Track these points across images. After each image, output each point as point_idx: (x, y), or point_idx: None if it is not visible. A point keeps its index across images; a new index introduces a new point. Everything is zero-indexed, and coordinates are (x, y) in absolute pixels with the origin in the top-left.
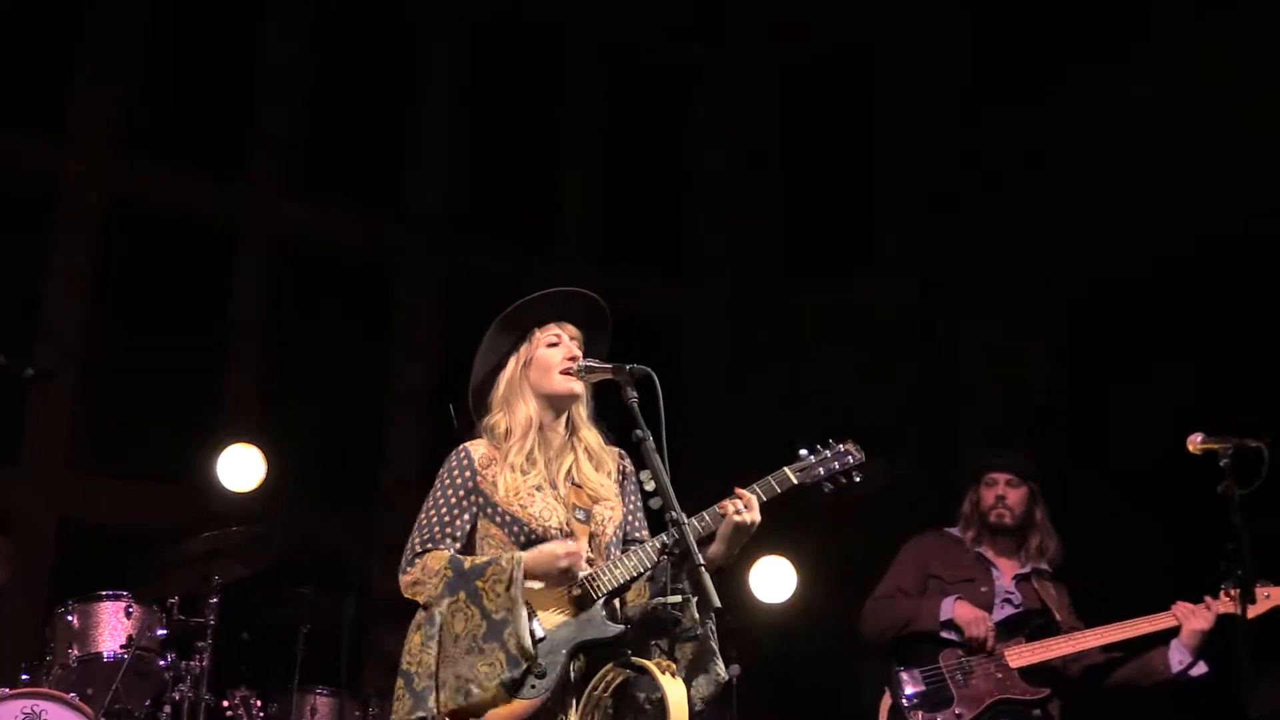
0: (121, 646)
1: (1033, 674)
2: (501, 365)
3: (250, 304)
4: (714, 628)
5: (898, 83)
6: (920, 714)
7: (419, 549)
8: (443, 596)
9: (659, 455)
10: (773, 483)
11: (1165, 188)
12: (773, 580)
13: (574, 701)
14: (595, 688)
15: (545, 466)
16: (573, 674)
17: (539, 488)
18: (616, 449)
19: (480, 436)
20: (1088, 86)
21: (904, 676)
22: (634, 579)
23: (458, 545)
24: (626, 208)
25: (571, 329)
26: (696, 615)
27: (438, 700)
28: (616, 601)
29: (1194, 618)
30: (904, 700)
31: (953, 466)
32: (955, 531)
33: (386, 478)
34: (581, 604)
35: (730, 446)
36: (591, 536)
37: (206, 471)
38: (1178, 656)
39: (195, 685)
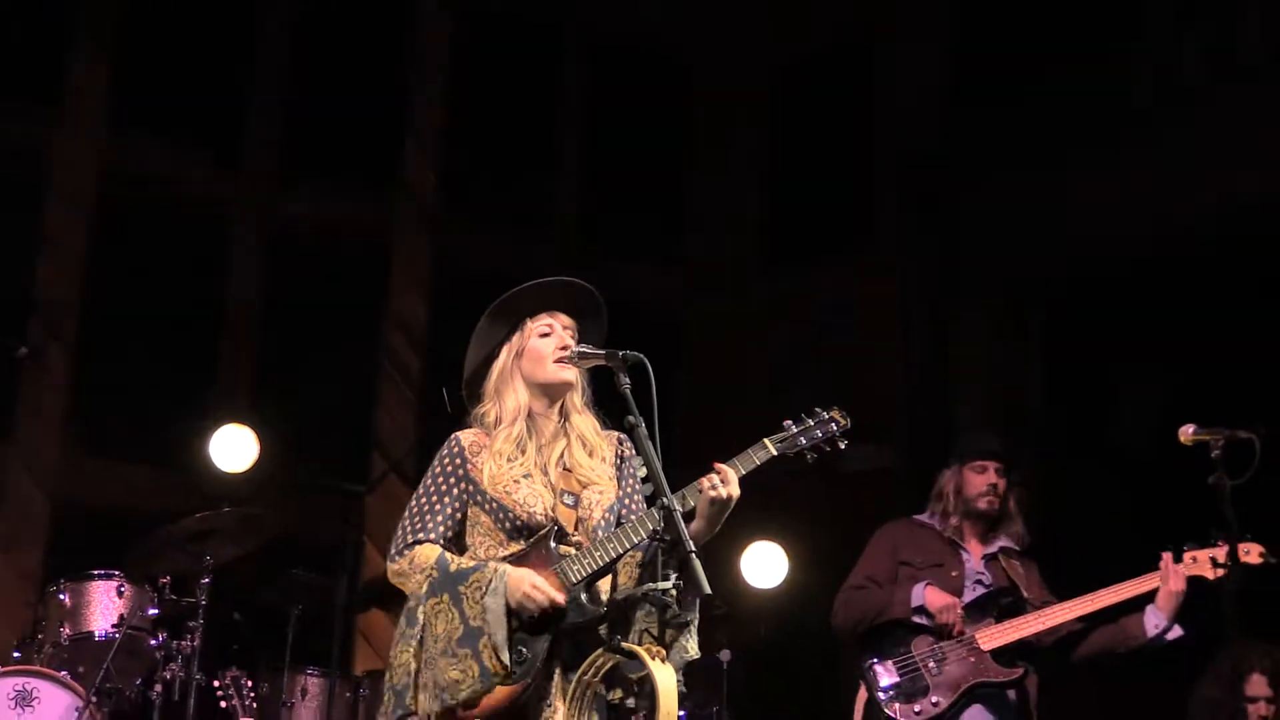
0: (113, 626)
1: (1005, 654)
2: (494, 355)
3: (244, 284)
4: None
5: (890, 76)
6: (898, 706)
7: (409, 539)
8: (427, 596)
9: (651, 441)
10: (752, 455)
11: (1156, 182)
12: (764, 566)
13: (555, 684)
14: (585, 672)
15: (536, 453)
16: (554, 657)
17: (526, 474)
18: (616, 433)
19: (472, 425)
20: (1078, 85)
21: (879, 669)
22: (611, 563)
23: (449, 534)
24: (622, 197)
25: (564, 318)
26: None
27: (417, 700)
28: (605, 584)
29: (1173, 578)
30: (880, 693)
31: (943, 454)
32: (923, 517)
33: (380, 459)
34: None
35: (723, 433)
36: (578, 520)
37: (199, 452)
38: (1153, 621)
39: (186, 665)
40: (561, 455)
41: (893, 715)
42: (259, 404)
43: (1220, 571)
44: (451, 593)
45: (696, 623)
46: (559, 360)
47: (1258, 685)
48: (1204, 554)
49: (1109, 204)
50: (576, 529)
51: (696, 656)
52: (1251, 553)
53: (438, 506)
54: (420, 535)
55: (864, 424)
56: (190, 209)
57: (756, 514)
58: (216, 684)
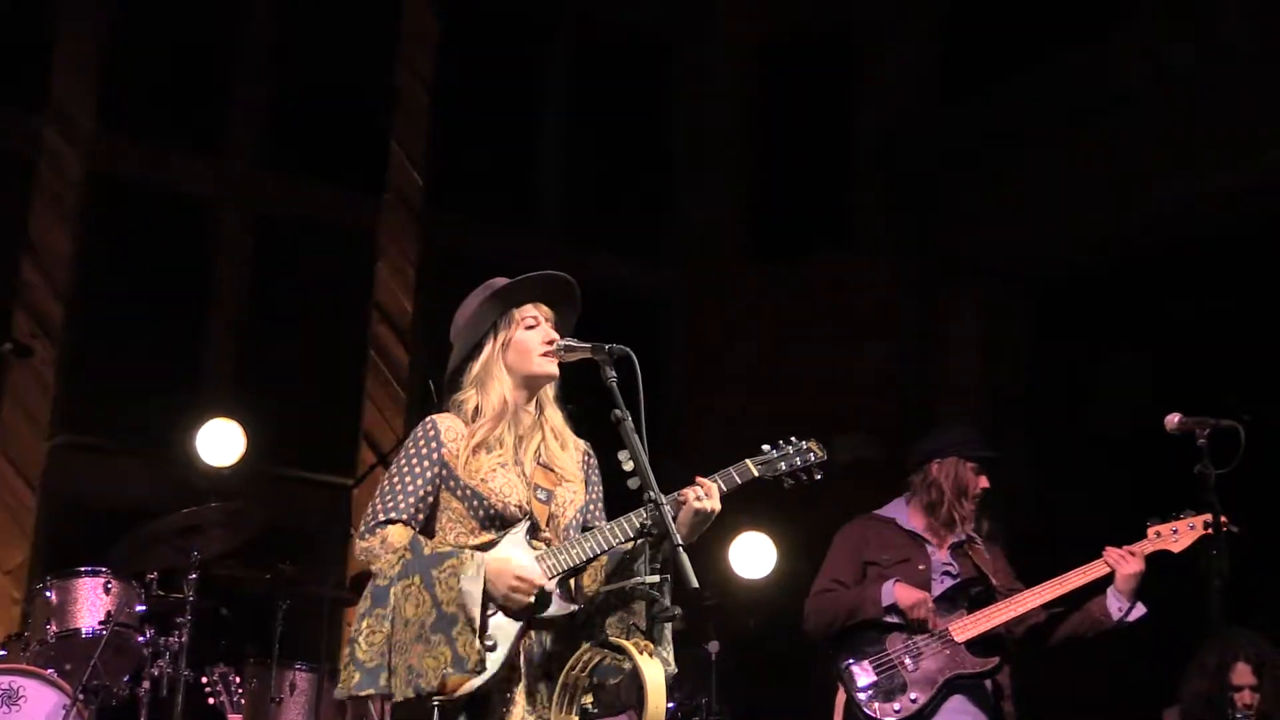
0: (100, 623)
1: (979, 645)
2: (479, 346)
3: (230, 278)
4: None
5: (876, 63)
6: (877, 705)
7: (381, 518)
8: (399, 577)
9: (638, 435)
10: (734, 474)
11: (1151, 170)
12: (753, 556)
13: (520, 678)
14: (573, 668)
15: (514, 446)
16: (523, 651)
17: (503, 464)
18: (584, 442)
19: (450, 411)
20: (1065, 72)
21: (855, 670)
22: (589, 560)
23: (420, 515)
24: (604, 186)
25: (546, 310)
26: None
27: (390, 682)
28: (572, 581)
29: (1125, 563)
30: (859, 694)
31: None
32: (884, 512)
33: (367, 452)
34: None
35: (707, 425)
36: (550, 517)
37: (186, 446)
38: (1116, 604)
39: (174, 661)
40: (538, 449)
41: (873, 715)
42: (245, 398)
43: (1185, 543)
44: (424, 575)
45: (672, 636)
46: (546, 354)
47: (1242, 674)
48: (1166, 528)
49: (1096, 191)
50: (548, 525)
51: (674, 671)
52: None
53: (410, 487)
54: (392, 514)
55: (851, 414)
56: (175, 202)
57: (744, 504)
58: (205, 680)
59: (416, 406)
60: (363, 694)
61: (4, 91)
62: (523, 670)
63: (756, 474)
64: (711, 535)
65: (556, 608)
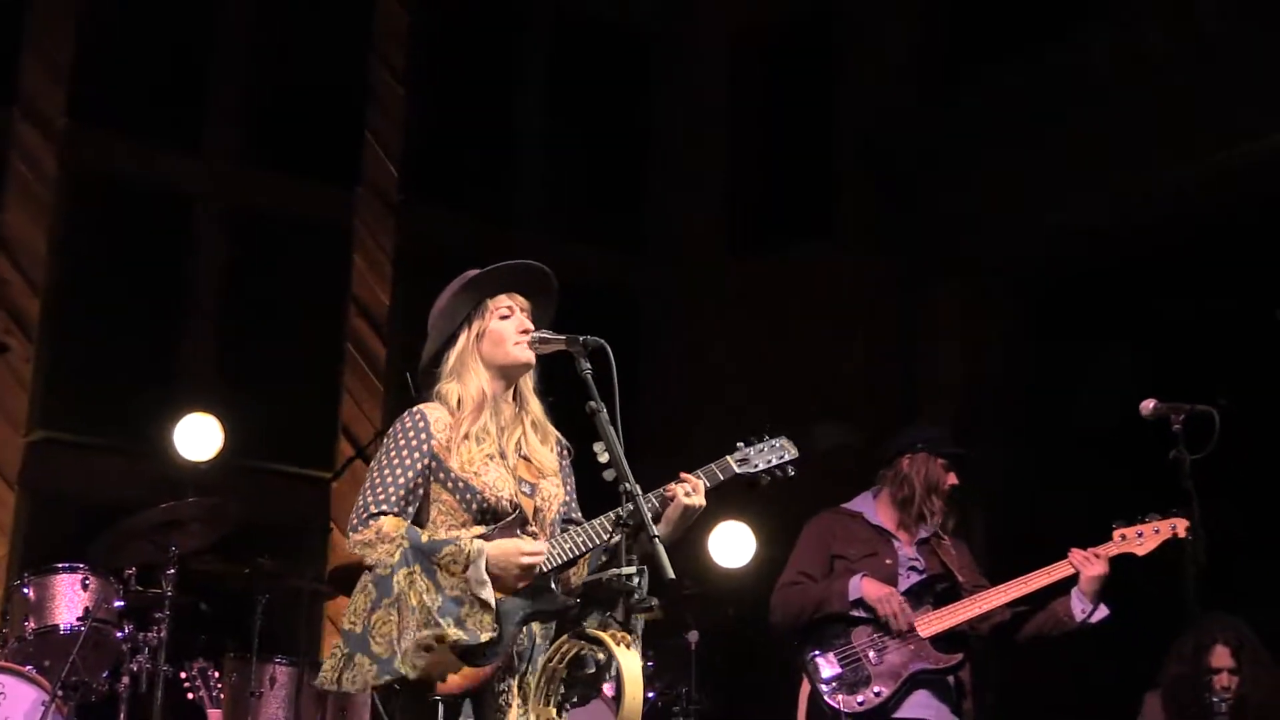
0: (78, 619)
1: (944, 641)
2: (454, 337)
3: (207, 272)
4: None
5: (858, 57)
6: (840, 697)
7: (374, 509)
8: (399, 566)
9: (613, 427)
10: (715, 470)
11: (1132, 163)
12: (732, 545)
13: (520, 670)
14: (551, 659)
15: (497, 436)
16: (519, 643)
17: (491, 457)
18: (560, 435)
19: (434, 401)
20: (1048, 64)
21: (820, 661)
22: (583, 553)
23: (410, 506)
24: (583, 178)
25: (521, 300)
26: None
27: (406, 665)
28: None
29: (1090, 565)
30: (822, 685)
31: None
32: (852, 506)
33: (346, 446)
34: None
35: (686, 417)
36: (536, 510)
37: (164, 441)
38: (1079, 605)
39: (153, 656)
40: (518, 442)
41: (835, 706)
42: (223, 393)
43: (1150, 547)
44: (424, 564)
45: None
46: (519, 343)
47: (1220, 656)
48: (1132, 531)
49: (1078, 185)
50: (534, 519)
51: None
52: (1179, 528)
53: (400, 479)
54: (384, 506)
55: (834, 409)
56: (150, 197)
57: (723, 493)
58: (184, 675)
59: (394, 399)
60: (380, 682)
61: None
62: (521, 662)
63: (737, 471)
64: (691, 525)
65: (555, 601)
